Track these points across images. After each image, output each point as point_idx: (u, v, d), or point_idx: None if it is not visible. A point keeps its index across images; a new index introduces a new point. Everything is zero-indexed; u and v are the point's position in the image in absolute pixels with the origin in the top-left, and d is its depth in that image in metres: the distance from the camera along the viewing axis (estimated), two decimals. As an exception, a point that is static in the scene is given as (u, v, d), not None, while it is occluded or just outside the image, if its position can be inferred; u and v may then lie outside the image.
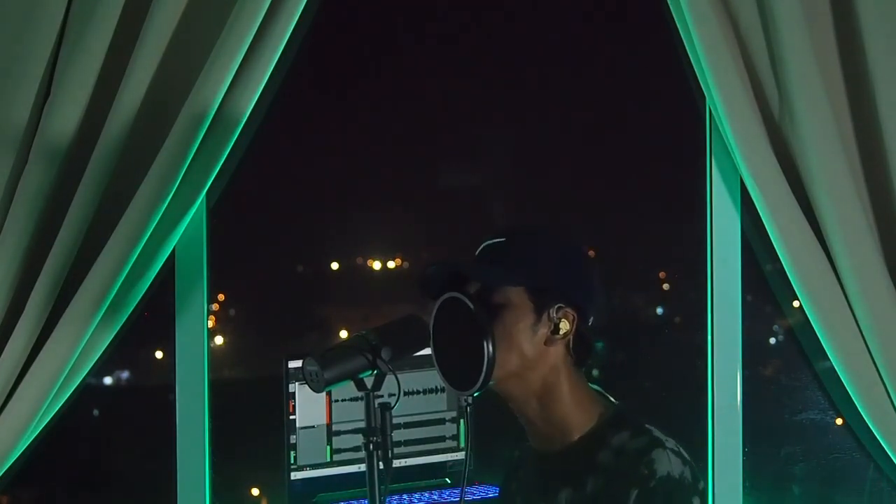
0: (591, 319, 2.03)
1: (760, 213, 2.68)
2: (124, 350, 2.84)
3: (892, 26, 2.62)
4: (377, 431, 1.89)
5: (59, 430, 2.72)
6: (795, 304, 2.77)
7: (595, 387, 2.07)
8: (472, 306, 1.91)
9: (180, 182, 2.58)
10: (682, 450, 1.95)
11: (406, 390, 2.73)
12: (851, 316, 2.64)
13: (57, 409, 2.66)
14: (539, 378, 1.99)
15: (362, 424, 1.90)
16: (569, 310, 2.00)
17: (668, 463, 1.92)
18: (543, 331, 1.99)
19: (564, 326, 1.99)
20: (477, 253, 2.05)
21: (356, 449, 2.70)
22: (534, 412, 2.01)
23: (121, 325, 2.66)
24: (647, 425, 1.98)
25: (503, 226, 2.08)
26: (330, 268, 3.41)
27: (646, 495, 1.90)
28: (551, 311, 1.99)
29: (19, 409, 2.56)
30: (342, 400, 2.70)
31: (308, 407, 2.68)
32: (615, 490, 1.92)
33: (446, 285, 2.01)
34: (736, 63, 2.64)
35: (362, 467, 1.89)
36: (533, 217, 3.40)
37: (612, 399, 2.07)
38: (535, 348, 1.98)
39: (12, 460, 2.62)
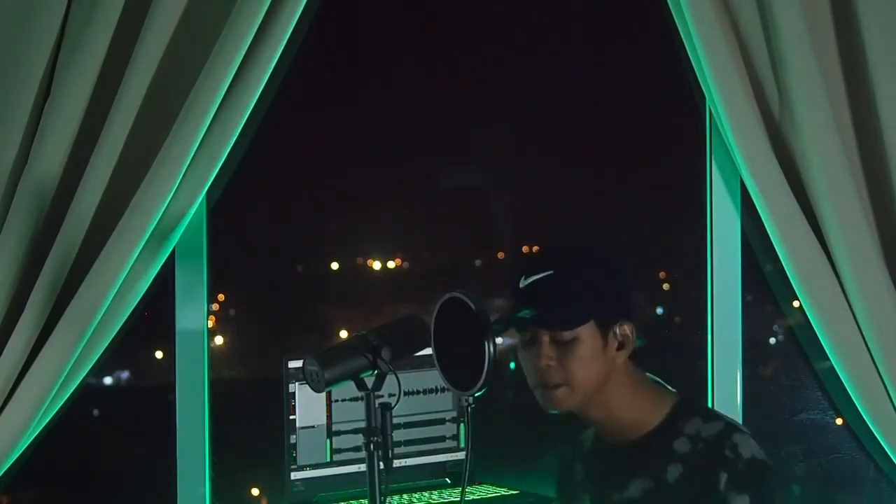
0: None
1: (760, 213, 2.68)
2: (124, 350, 2.84)
3: (892, 27, 2.62)
4: (377, 431, 1.89)
5: (59, 430, 2.72)
6: (795, 304, 2.77)
7: (651, 376, 2.14)
8: (473, 306, 1.92)
9: (180, 182, 2.58)
10: (753, 434, 2.02)
11: (406, 390, 2.72)
12: (851, 316, 2.64)
13: (57, 409, 2.66)
14: (611, 389, 2.07)
15: (362, 424, 1.91)
16: (627, 323, 2.08)
17: (751, 445, 1.99)
18: (611, 349, 2.07)
19: (629, 340, 2.08)
20: (523, 287, 2.07)
21: (356, 449, 2.69)
22: (608, 419, 2.09)
23: (121, 325, 2.66)
24: (714, 410, 2.08)
25: (538, 257, 2.12)
26: (330, 268, 3.41)
27: (736, 478, 1.96)
28: (616, 328, 2.07)
29: (19, 409, 2.56)
30: (342, 400, 2.70)
31: (308, 407, 2.68)
32: (700, 476, 1.98)
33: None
34: (736, 63, 2.64)
35: (362, 467, 1.89)
36: (532, 217, 3.40)
37: (668, 387, 2.14)
38: (606, 367, 2.06)
39: (12, 460, 2.62)
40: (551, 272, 2.06)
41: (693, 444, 2.02)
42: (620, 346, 2.08)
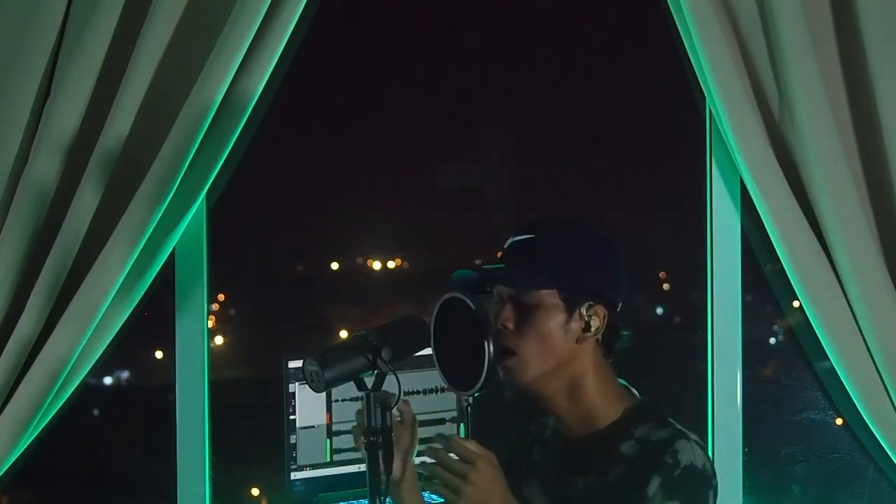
0: (618, 308, 2.05)
1: (760, 213, 2.68)
2: (124, 350, 2.84)
3: (892, 26, 2.62)
4: (377, 431, 1.89)
5: (59, 430, 2.72)
6: (795, 304, 2.77)
7: (621, 381, 2.09)
8: (473, 306, 1.91)
9: (180, 182, 2.58)
10: (702, 443, 1.97)
11: (406, 390, 2.72)
12: (851, 316, 2.64)
13: (57, 409, 2.66)
14: (569, 374, 2.02)
15: (362, 424, 1.90)
16: (599, 306, 2.01)
17: (692, 453, 1.94)
18: (574, 328, 2.00)
19: (595, 323, 2.01)
20: (505, 247, 2.05)
21: (356, 449, 2.69)
22: (562, 407, 2.03)
23: (121, 325, 2.66)
24: (669, 419, 2.00)
25: (530, 219, 2.07)
26: (330, 268, 3.41)
27: (670, 483, 1.91)
28: (582, 308, 2.00)
29: (19, 409, 2.56)
30: (342, 400, 2.70)
31: (308, 407, 2.68)
32: (637, 477, 1.94)
33: (473, 288, 2.02)
34: (736, 63, 2.65)
35: (362, 467, 1.89)
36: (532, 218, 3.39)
37: (636, 394, 2.09)
38: (567, 346, 2.00)
39: (12, 460, 2.62)
40: (532, 236, 2.02)
41: (639, 447, 1.96)
42: (586, 328, 2.00)
